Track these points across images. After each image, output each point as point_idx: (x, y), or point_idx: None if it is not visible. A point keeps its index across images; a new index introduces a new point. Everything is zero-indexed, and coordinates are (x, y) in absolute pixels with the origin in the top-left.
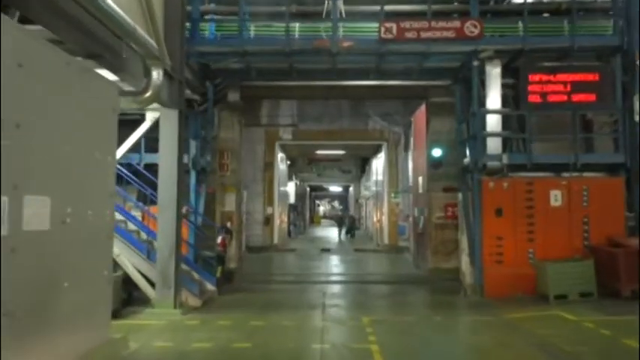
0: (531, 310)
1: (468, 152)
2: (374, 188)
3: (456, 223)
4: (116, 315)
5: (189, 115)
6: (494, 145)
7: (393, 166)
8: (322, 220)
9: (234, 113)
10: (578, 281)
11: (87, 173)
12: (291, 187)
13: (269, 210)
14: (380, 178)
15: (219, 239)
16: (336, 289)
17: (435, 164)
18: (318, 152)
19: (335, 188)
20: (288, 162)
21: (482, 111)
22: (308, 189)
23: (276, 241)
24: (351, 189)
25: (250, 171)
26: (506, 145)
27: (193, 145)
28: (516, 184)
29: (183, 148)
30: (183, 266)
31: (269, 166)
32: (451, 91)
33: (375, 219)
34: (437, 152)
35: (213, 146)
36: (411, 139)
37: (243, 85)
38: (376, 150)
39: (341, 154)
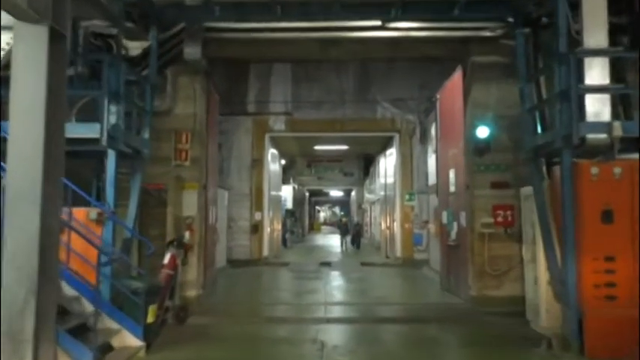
0: None
1: (539, 126)
2: (381, 191)
3: (511, 232)
4: None
5: (106, 62)
6: (596, 109)
7: (407, 162)
8: (322, 227)
9: (196, 79)
10: None
11: None
12: (288, 191)
13: (257, 216)
14: (390, 177)
15: (166, 258)
16: (339, 334)
17: (480, 148)
18: (317, 148)
19: (336, 193)
20: (283, 161)
21: (580, 52)
22: (307, 194)
23: (266, 252)
24: (353, 193)
25: (235, 168)
26: None
27: (114, 111)
28: (635, 171)
29: (60, 97)
30: (90, 307)
31: (257, 163)
32: (502, 47)
33: (383, 226)
34: (483, 132)
35: (164, 124)
36: (433, 126)
37: (207, 37)
38: (385, 145)
39: (343, 149)
